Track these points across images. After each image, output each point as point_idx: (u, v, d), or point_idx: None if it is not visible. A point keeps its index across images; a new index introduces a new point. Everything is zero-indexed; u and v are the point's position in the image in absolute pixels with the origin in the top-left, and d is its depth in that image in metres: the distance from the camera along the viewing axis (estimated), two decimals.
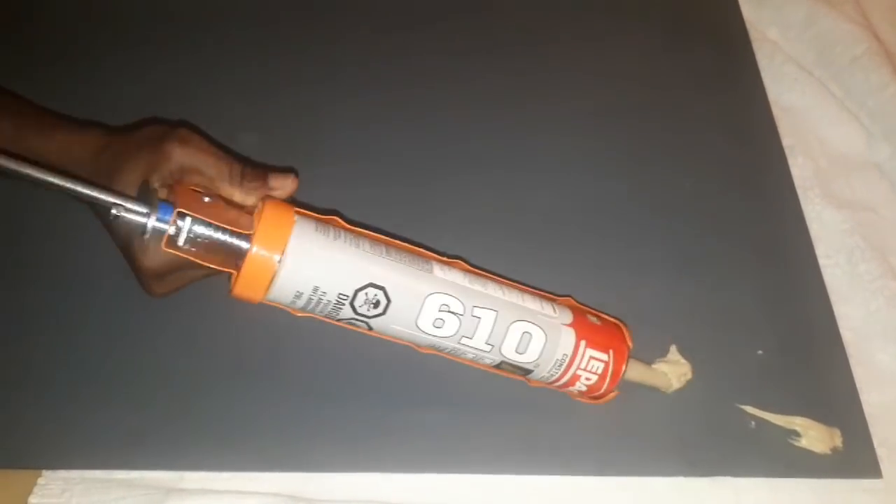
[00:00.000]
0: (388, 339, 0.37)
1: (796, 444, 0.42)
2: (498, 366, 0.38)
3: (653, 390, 0.42)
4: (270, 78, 0.54)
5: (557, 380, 0.39)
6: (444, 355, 0.38)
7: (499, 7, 0.60)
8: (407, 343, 0.38)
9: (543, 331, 0.37)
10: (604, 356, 0.39)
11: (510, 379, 0.40)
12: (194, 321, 0.42)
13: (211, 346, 0.43)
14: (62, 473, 0.39)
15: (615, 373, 0.39)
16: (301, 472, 0.40)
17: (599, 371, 0.39)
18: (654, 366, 0.43)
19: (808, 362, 0.45)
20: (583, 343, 0.38)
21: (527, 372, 0.38)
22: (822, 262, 0.49)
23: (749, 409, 0.43)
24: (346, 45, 0.57)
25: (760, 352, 0.45)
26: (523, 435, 0.41)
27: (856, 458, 0.42)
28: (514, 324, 0.37)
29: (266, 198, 0.36)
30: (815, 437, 0.42)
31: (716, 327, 0.45)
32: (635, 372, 0.41)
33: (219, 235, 0.34)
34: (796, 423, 0.42)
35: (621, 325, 0.41)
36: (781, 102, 0.56)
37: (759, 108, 0.55)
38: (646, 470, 0.41)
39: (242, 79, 0.54)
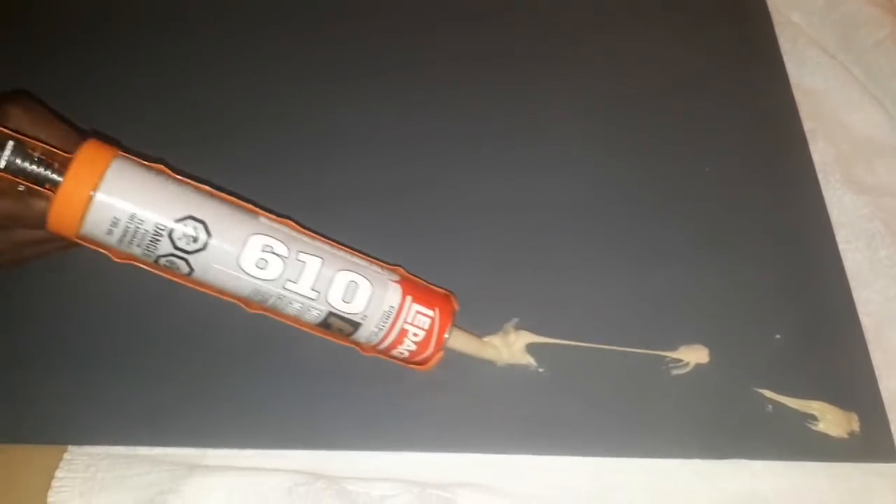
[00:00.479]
0: (211, 290, 0.37)
1: (813, 427, 0.42)
2: (325, 321, 0.38)
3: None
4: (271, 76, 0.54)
5: (386, 336, 0.38)
6: (271, 314, 0.38)
7: None
8: (231, 296, 0.37)
9: (370, 281, 0.38)
10: (430, 312, 0.39)
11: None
12: (216, 298, 0.42)
13: (233, 323, 0.43)
14: (87, 449, 0.40)
15: (442, 330, 0.39)
16: (323, 451, 0.40)
17: (427, 327, 0.39)
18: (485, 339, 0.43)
19: (827, 347, 0.45)
20: (409, 298, 0.38)
21: (355, 326, 0.38)
22: (842, 246, 0.49)
23: (766, 392, 0.43)
24: (348, 38, 0.57)
25: (778, 336, 0.45)
26: (541, 416, 0.41)
27: (873, 443, 0.42)
28: (341, 272, 0.37)
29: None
30: (832, 421, 0.42)
31: (733, 311, 0.45)
32: (461, 339, 0.41)
33: (38, 168, 0.34)
34: (814, 407, 0.42)
35: (449, 292, 0.41)
36: (804, 86, 0.56)
37: (781, 92, 0.55)
38: (662, 452, 0.41)
39: (249, 78, 0.54)
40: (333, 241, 0.39)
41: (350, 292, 0.37)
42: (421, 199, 0.49)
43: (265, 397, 0.41)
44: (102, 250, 0.35)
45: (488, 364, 0.42)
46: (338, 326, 0.38)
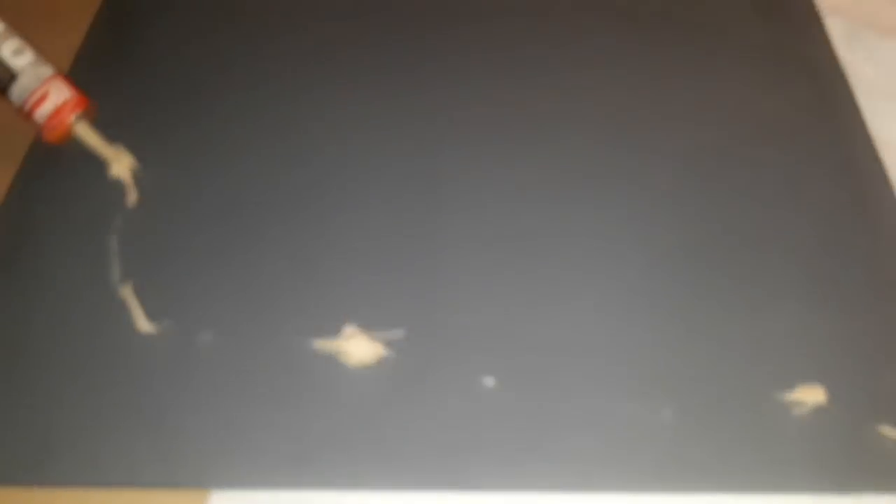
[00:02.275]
0: None
1: None
2: None
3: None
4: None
5: (31, 95, 0.52)
6: None
7: (599, 37, 0.63)
8: None
9: (34, 55, 0.52)
10: (69, 93, 0.53)
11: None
12: None
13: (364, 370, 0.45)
14: (230, 493, 0.41)
15: (74, 109, 0.53)
16: (459, 491, 0.41)
17: (64, 99, 0.52)
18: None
19: None
20: (59, 77, 0.53)
21: (11, 78, 0.51)
22: None
23: (887, 429, 0.44)
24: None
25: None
26: (670, 455, 0.42)
27: None
28: (15, 39, 0.52)
29: None
30: None
31: (846, 353, 0.46)
32: (90, 132, 0.54)
33: None
34: None
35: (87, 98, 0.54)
36: (881, 138, 0.58)
37: (862, 141, 0.57)
38: (789, 487, 0.42)
39: None
40: None
41: (17, 54, 0.51)
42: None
43: (399, 437, 0.42)
44: None
45: (611, 406, 0.44)
46: None
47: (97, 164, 0.54)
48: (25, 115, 0.52)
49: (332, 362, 0.45)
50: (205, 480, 0.41)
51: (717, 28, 0.64)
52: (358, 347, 0.45)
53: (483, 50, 0.64)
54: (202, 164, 0.56)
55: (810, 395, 0.45)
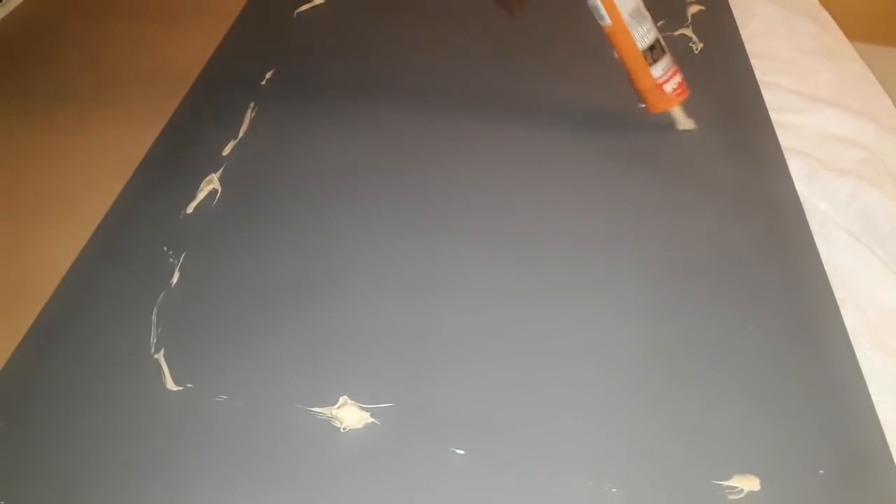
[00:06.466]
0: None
1: None
2: (651, 46, 0.70)
3: None
4: None
5: (668, 71, 0.72)
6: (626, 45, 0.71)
7: (585, 169, 0.73)
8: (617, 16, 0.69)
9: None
10: (681, 79, 0.74)
11: None
12: None
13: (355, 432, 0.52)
14: None
15: (683, 92, 0.74)
16: None
17: (680, 82, 0.74)
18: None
19: (864, 484, 0.51)
20: (677, 65, 0.74)
21: (662, 52, 0.71)
22: (874, 398, 0.56)
23: None
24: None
25: (822, 471, 0.51)
26: None
27: None
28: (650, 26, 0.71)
29: None
30: None
31: (781, 448, 0.52)
32: (681, 112, 0.76)
33: None
34: None
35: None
36: (833, 262, 0.65)
37: (813, 266, 0.64)
38: None
39: None
40: None
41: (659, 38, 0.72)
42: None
43: (381, 493, 0.49)
44: None
45: (564, 480, 0.50)
46: (655, 51, 0.70)
47: (151, 250, 0.64)
48: (657, 85, 0.72)
49: (326, 425, 0.52)
50: None
51: (692, 164, 0.73)
52: (349, 414, 0.52)
53: (479, 173, 0.73)
54: (236, 256, 0.65)
55: (746, 483, 0.50)
